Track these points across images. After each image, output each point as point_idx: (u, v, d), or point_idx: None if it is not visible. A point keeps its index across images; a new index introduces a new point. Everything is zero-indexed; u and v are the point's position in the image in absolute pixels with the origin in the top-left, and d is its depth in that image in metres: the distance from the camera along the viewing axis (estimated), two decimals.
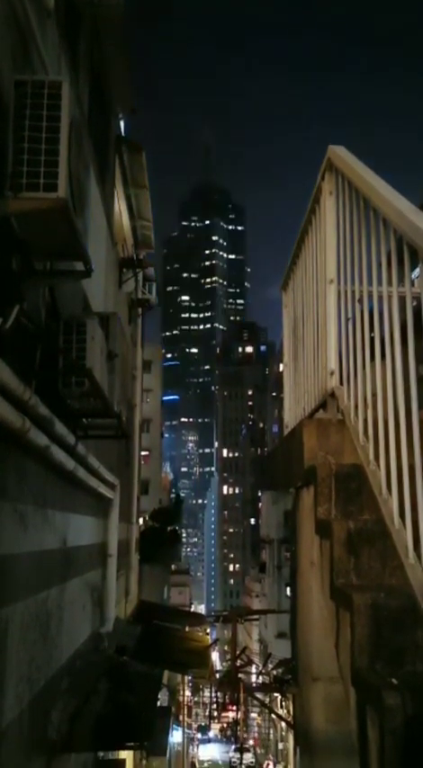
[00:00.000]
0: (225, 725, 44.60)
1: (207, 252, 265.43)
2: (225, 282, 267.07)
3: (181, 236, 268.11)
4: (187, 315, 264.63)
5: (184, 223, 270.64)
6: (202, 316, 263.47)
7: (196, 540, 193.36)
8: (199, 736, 46.46)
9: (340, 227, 3.05)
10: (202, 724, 42.41)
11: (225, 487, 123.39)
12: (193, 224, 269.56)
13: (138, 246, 12.65)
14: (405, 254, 2.05)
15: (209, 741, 46.92)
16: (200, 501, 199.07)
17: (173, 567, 36.77)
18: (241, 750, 27.32)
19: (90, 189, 4.86)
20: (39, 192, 2.81)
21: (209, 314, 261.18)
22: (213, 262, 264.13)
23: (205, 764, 40.24)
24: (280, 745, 39.44)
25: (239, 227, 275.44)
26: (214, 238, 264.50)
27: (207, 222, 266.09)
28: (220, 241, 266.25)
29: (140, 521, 16.71)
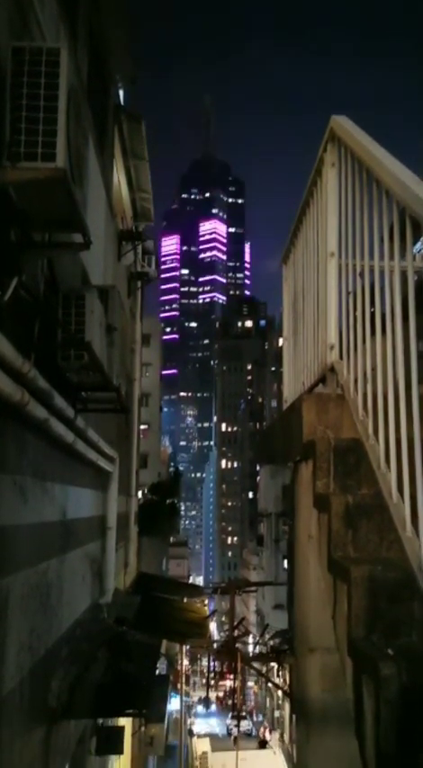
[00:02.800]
0: (223, 693, 45.44)
1: (206, 225, 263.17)
2: (224, 256, 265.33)
3: (180, 209, 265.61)
4: (186, 289, 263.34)
5: (184, 195, 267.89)
6: (201, 289, 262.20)
7: (195, 513, 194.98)
8: (200, 708, 47.20)
9: (342, 199, 3.01)
10: (201, 696, 43.13)
11: (223, 461, 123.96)
12: (192, 196, 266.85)
13: (137, 219, 12.53)
14: (407, 227, 2.03)
15: (208, 715, 47.72)
16: (198, 475, 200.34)
17: (171, 539, 37.13)
18: (238, 718, 27.87)
19: (89, 159, 4.79)
20: (37, 161, 2.76)
21: (208, 288, 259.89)
22: (213, 235, 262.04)
23: (202, 733, 41.11)
24: (276, 713, 40.29)
25: (239, 200, 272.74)
26: (214, 211, 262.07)
27: (207, 195, 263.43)
28: (220, 214, 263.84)
29: (139, 494, 16.83)
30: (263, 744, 28.75)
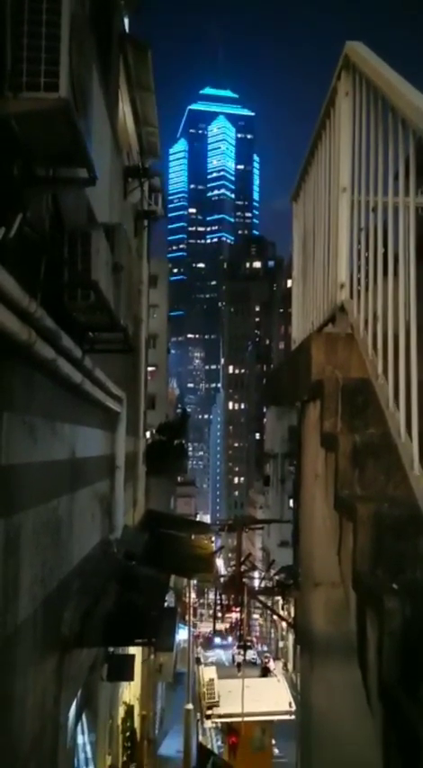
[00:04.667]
0: (229, 625, 47.09)
1: (215, 162, 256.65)
2: (233, 195, 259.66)
3: (187, 145, 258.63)
4: (194, 228, 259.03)
5: (191, 130, 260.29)
6: (209, 229, 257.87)
7: (202, 453, 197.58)
8: (218, 640, 48.85)
9: (356, 130, 2.90)
10: (209, 632, 44.62)
11: (230, 403, 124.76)
12: (200, 131, 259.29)
13: (143, 154, 12.21)
14: None
15: (215, 646, 49.46)
16: (205, 416, 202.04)
17: (179, 478, 37.75)
18: (244, 648, 28.96)
19: (93, 90, 4.61)
20: (39, 91, 2.67)
21: (216, 227, 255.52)
22: (221, 172, 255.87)
23: (210, 659, 42.88)
24: (280, 644, 41.86)
25: (248, 135, 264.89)
26: (222, 147, 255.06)
27: (215, 130, 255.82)
28: (229, 150, 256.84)
29: (147, 434, 17.01)
30: (265, 671, 29.92)
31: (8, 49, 2.65)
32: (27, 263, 3.24)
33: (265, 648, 44.06)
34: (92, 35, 5.76)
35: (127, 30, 9.36)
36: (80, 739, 6.42)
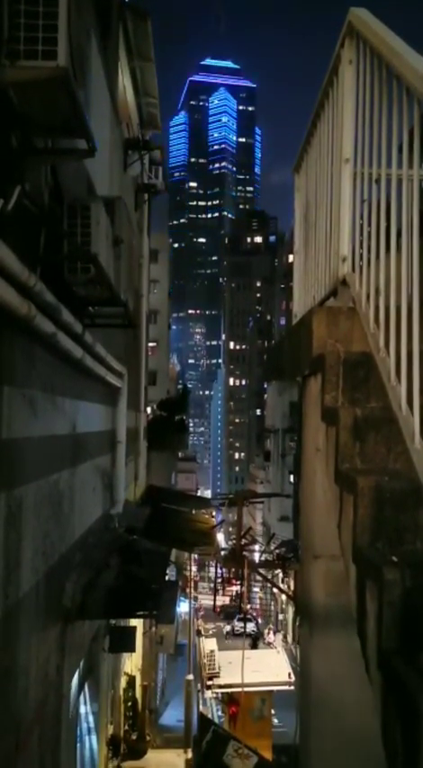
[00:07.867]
0: (229, 599, 47.61)
1: (216, 134, 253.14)
2: (234, 168, 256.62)
3: (188, 117, 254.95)
4: (195, 203, 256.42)
5: (192, 102, 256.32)
6: (210, 204, 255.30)
7: (203, 429, 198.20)
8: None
9: (359, 99, 2.85)
10: (214, 605, 45.04)
11: (231, 379, 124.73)
12: (201, 103, 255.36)
13: (143, 126, 12.05)
14: None
15: (215, 618, 50.01)
16: (206, 392, 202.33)
17: (180, 454, 37.90)
18: (244, 620, 29.34)
19: (92, 59, 4.54)
20: (37, 60, 2.62)
21: (217, 202, 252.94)
22: (222, 145, 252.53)
23: (210, 632, 43.44)
24: (280, 617, 42.40)
25: (250, 108, 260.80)
26: (223, 120, 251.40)
27: (216, 102, 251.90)
28: (230, 123, 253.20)
29: (149, 410, 17.04)
30: (255, 640, 30.34)
31: (5, 16, 2.60)
32: (26, 235, 3.21)
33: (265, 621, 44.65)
34: (91, 3, 5.66)
35: None
36: (83, 709, 6.54)
